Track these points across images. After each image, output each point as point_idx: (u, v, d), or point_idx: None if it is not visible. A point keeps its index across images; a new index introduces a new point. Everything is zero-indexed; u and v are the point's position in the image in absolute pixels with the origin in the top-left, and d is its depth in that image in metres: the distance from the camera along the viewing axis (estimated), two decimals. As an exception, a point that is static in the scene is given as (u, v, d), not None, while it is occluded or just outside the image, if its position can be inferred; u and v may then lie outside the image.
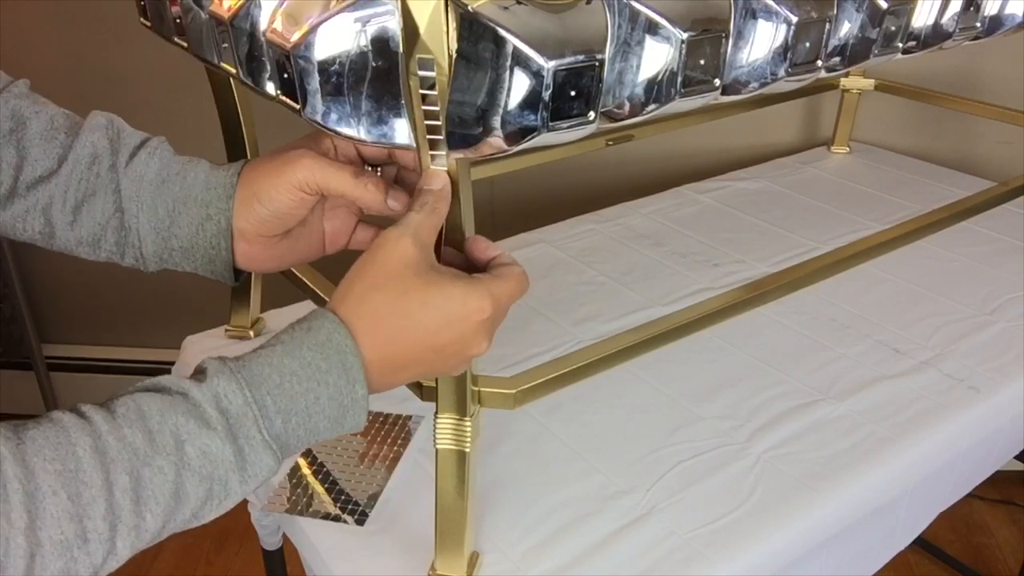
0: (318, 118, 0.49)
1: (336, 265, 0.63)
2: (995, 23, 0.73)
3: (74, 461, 0.39)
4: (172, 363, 0.92)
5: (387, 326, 0.48)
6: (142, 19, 0.67)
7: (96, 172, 0.57)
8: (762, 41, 0.55)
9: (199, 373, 0.45)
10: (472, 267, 0.53)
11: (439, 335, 0.49)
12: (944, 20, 0.68)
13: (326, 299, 0.73)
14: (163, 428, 0.42)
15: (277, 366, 0.45)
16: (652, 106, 0.51)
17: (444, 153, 0.48)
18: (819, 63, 0.60)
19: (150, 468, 0.41)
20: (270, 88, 0.52)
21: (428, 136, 0.48)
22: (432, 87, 0.45)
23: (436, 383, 0.59)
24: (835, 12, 0.59)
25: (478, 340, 0.50)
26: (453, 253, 0.54)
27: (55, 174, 0.56)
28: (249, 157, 0.80)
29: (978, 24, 0.71)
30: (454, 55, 0.44)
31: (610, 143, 1.08)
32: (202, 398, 0.43)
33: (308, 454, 0.77)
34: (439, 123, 0.46)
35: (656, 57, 0.50)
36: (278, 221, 0.57)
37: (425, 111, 0.46)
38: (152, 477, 0.41)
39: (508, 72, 0.44)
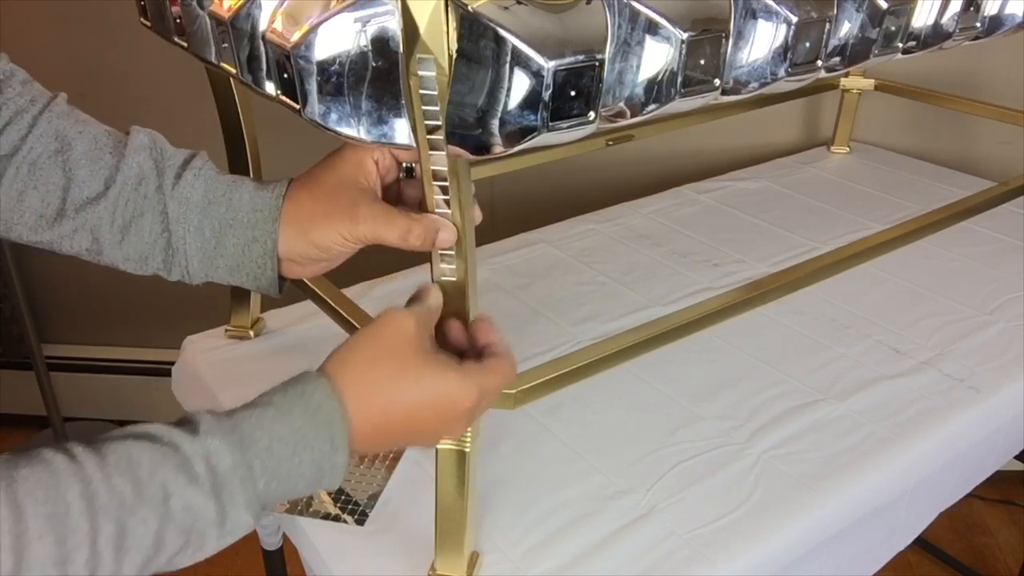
0: (318, 118, 0.49)
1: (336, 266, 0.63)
2: (995, 23, 0.73)
3: (63, 506, 0.39)
4: (172, 363, 0.92)
5: (378, 400, 0.50)
6: (142, 19, 0.67)
7: (143, 194, 0.58)
8: (762, 41, 0.55)
9: (189, 423, 0.46)
10: (470, 343, 0.56)
11: (423, 416, 0.51)
12: (944, 20, 0.68)
13: (326, 299, 0.73)
14: (152, 480, 0.42)
15: (268, 429, 0.46)
16: (652, 106, 0.51)
17: (444, 153, 0.48)
18: (819, 63, 0.60)
19: (135, 518, 0.41)
20: (270, 88, 0.52)
21: (428, 136, 0.48)
22: (432, 87, 0.45)
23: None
24: (835, 12, 0.59)
25: (457, 425, 0.53)
26: (457, 327, 0.56)
27: (103, 196, 0.57)
28: (249, 157, 0.81)
29: (978, 24, 0.71)
30: (454, 55, 0.44)
31: (610, 143, 1.08)
32: (193, 453, 0.44)
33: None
34: (439, 123, 0.46)
35: (656, 57, 0.50)
36: (327, 257, 0.58)
37: (425, 111, 0.46)
38: (136, 528, 0.42)
39: (508, 72, 0.44)
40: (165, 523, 0.42)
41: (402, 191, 0.59)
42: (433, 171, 0.50)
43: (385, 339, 0.51)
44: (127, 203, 0.57)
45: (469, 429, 0.58)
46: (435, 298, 0.55)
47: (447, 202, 0.52)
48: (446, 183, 0.50)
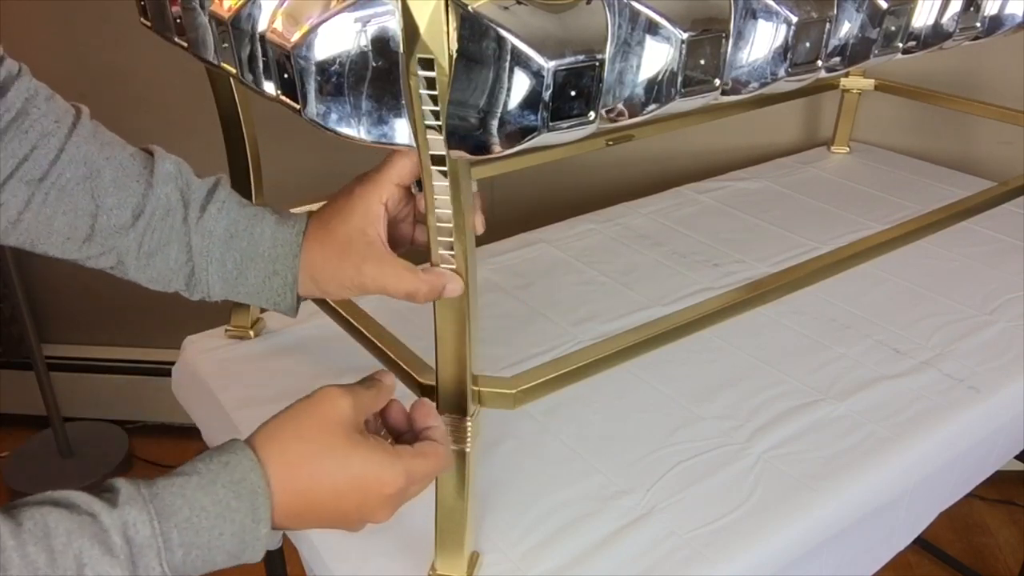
0: (318, 118, 0.49)
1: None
2: (995, 23, 0.73)
3: None
4: (172, 363, 0.92)
5: (302, 477, 0.50)
6: (142, 19, 0.67)
7: (170, 224, 0.59)
8: (762, 41, 0.55)
9: (109, 492, 0.45)
10: (409, 426, 0.57)
11: (346, 498, 0.51)
12: (944, 20, 0.68)
13: (326, 299, 0.73)
14: (67, 551, 0.42)
15: (189, 499, 0.46)
16: (652, 106, 0.51)
17: (444, 153, 0.48)
18: (819, 63, 0.60)
19: None
20: (270, 88, 0.52)
21: (428, 136, 0.48)
22: (432, 87, 0.45)
23: (436, 382, 0.59)
24: (835, 12, 0.59)
25: (381, 510, 0.52)
26: (398, 410, 0.58)
27: (132, 227, 0.59)
28: (249, 157, 0.81)
29: (978, 24, 0.71)
30: (454, 55, 0.44)
31: (610, 143, 1.08)
32: (111, 524, 0.43)
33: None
34: (439, 123, 0.46)
35: (656, 57, 0.50)
36: (340, 298, 0.62)
37: (425, 111, 0.46)
38: None
39: (508, 72, 0.44)
40: None
41: (416, 235, 0.62)
42: (433, 171, 0.50)
43: (316, 417, 0.51)
44: (154, 232, 0.59)
45: (389, 513, 0.56)
46: (387, 384, 0.56)
47: (447, 202, 0.52)
48: (446, 183, 0.50)
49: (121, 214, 0.58)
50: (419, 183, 0.59)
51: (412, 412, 0.57)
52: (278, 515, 0.49)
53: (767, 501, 0.70)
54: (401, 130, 0.49)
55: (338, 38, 0.47)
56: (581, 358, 0.63)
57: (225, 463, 0.48)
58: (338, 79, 0.47)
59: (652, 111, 0.52)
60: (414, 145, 0.49)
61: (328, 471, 0.50)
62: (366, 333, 0.67)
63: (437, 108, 0.46)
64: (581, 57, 0.45)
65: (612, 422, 0.79)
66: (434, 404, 0.58)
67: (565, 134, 0.47)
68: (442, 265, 0.55)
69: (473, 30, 0.43)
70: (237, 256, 0.60)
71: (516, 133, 0.45)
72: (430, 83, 0.45)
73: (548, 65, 0.43)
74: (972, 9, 0.70)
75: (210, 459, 0.48)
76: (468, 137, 0.46)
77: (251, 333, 0.90)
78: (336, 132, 0.49)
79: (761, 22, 0.55)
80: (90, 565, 0.42)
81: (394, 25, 0.46)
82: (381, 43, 0.47)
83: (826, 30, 0.59)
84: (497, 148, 0.46)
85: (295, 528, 0.52)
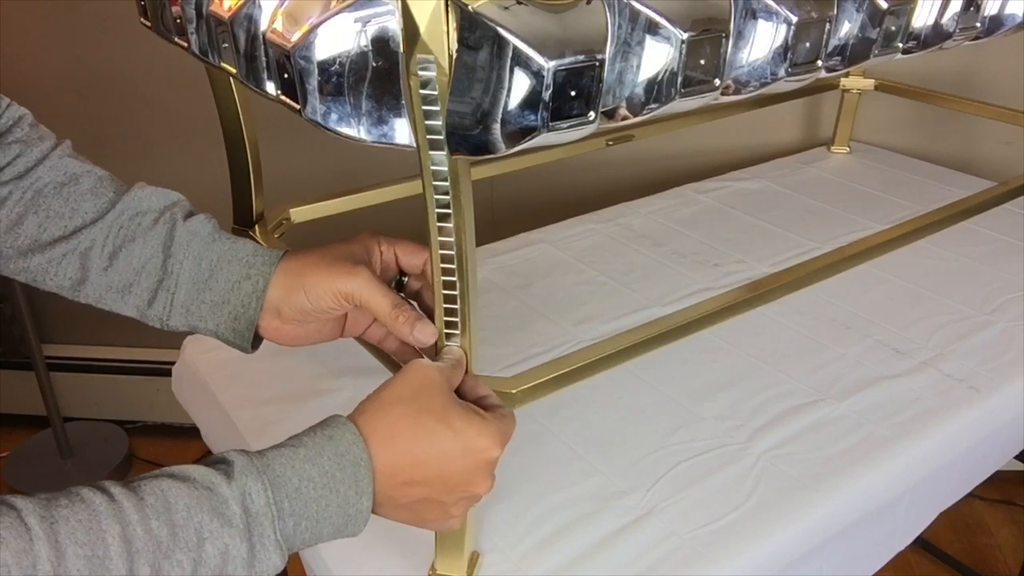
0: (318, 118, 0.49)
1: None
2: (995, 23, 0.73)
3: (103, 548, 0.41)
4: (172, 363, 0.92)
5: (403, 438, 0.50)
6: (142, 19, 0.67)
7: (138, 222, 0.60)
8: (762, 41, 0.55)
9: (223, 463, 0.47)
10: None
11: (451, 462, 0.51)
12: (944, 20, 0.68)
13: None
14: (188, 523, 0.43)
15: (298, 469, 0.48)
16: (652, 106, 0.51)
17: (444, 153, 0.48)
18: (819, 63, 0.60)
19: (170, 561, 0.43)
20: (270, 88, 0.52)
21: (428, 136, 0.48)
22: (432, 87, 0.45)
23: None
24: (835, 12, 0.59)
25: (484, 478, 0.53)
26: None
27: (99, 220, 0.59)
28: (249, 157, 0.80)
29: (978, 24, 0.71)
30: (454, 55, 0.44)
31: (610, 143, 1.08)
32: (229, 495, 0.45)
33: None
34: (439, 123, 0.46)
35: (656, 57, 0.50)
36: (316, 314, 0.60)
37: (425, 111, 0.46)
38: (171, 570, 0.43)
39: (508, 72, 0.44)
40: (198, 566, 0.44)
41: (408, 285, 0.64)
42: (433, 171, 0.50)
43: (412, 384, 0.52)
44: (120, 230, 0.59)
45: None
46: (460, 357, 0.56)
47: (448, 202, 0.52)
48: (446, 183, 0.50)
49: (92, 215, 0.59)
50: (400, 282, 0.64)
51: (461, 387, 0.57)
52: (383, 482, 0.50)
53: (767, 501, 0.70)
54: (401, 130, 0.49)
55: (338, 38, 0.47)
56: (581, 358, 0.63)
57: (329, 436, 0.49)
58: (338, 79, 0.47)
59: (652, 111, 0.52)
60: (414, 145, 0.49)
61: (430, 429, 0.50)
62: (366, 333, 0.67)
63: (437, 108, 0.46)
64: (581, 57, 0.45)
65: (612, 422, 0.79)
66: (477, 376, 0.58)
67: (565, 134, 0.47)
68: (446, 317, 0.56)
69: (473, 30, 0.43)
70: (214, 256, 0.60)
71: (516, 133, 0.45)
72: (430, 83, 0.45)
73: (548, 65, 0.43)
74: (972, 9, 0.70)
75: (314, 433, 0.50)
76: (468, 137, 0.46)
77: (251, 333, 0.90)
78: (336, 132, 0.49)
79: (761, 22, 0.55)
80: (211, 539, 0.44)
81: (394, 25, 0.46)
82: (381, 43, 0.47)
83: (826, 30, 0.59)
84: (497, 148, 0.46)
85: (403, 501, 0.51)
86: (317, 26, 0.47)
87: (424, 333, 0.57)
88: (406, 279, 0.65)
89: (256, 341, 0.62)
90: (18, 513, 0.40)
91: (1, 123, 0.60)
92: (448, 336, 0.57)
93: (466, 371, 0.57)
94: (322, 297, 0.58)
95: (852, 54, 0.62)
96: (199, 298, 0.60)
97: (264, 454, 0.48)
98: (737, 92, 0.56)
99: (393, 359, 0.64)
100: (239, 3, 0.52)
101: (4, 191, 0.58)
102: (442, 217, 0.52)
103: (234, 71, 0.56)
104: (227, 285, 0.60)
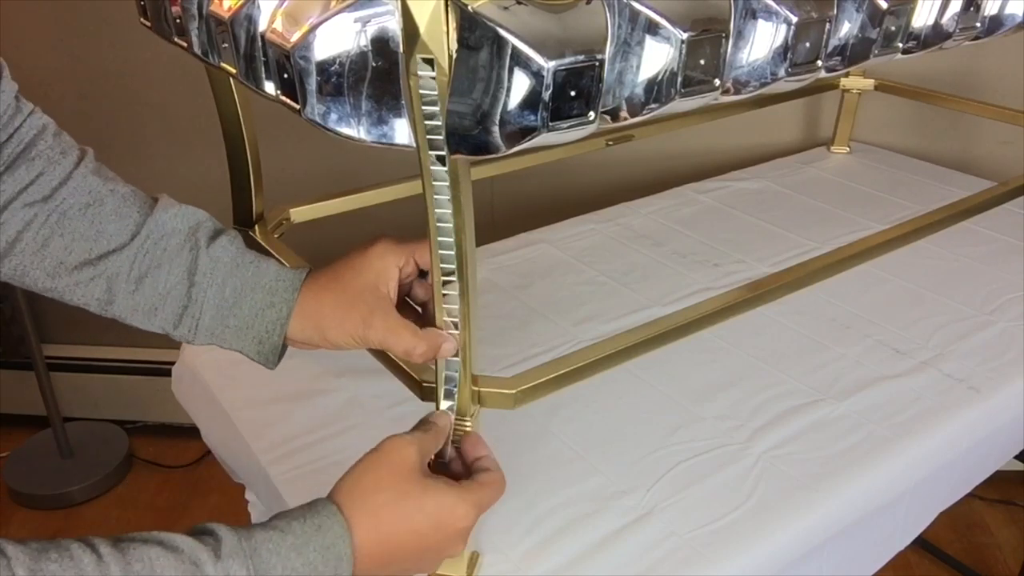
0: (318, 118, 0.49)
1: (336, 261, 0.63)
2: (995, 23, 0.73)
3: None
4: (172, 363, 0.92)
5: (385, 525, 0.52)
6: (142, 19, 0.67)
7: (163, 247, 0.60)
8: (762, 41, 0.55)
9: (212, 539, 0.47)
10: (460, 457, 0.61)
11: (426, 538, 0.54)
12: (944, 20, 0.68)
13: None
14: None
15: (283, 558, 0.48)
16: (652, 106, 0.51)
17: (444, 153, 0.48)
18: (819, 63, 0.60)
19: None
20: (270, 88, 0.52)
21: (428, 136, 0.48)
22: (432, 87, 0.45)
23: (437, 382, 0.59)
24: (835, 12, 0.59)
25: (456, 543, 0.56)
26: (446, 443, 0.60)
27: (127, 246, 0.59)
28: (249, 157, 0.81)
29: (978, 24, 0.71)
30: (454, 55, 0.44)
31: (610, 143, 1.08)
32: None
33: (308, 454, 0.77)
34: (439, 123, 0.46)
35: (656, 57, 0.50)
36: (332, 349, 0.62)
37: (425, 111, 0.46)
38: None
39: (508, 72, 0.44)
40: None
41: (413, 289, 0.63)
42: (433, 171, 0.50)
43: (388, 466, 0.54)
44: (147, 255, 0.60)
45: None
46: (443, 426, 0.59)
47: (447, 202, 0.52)
48: (446, 183, 0.50)
49: (119, 239, 0.59)
50: (424, 272, 0.62)
51: (462, 444, 0.60)
52: (362, 566, 0.51)
53: (767, 501, 0.70)
54: (401, 130, 0.49)
55: (338, 38, 0.47)
56: (581, 358, 0.63)
57: (317, 527, 0.50)
58: (338, 79, 0.47)
59: (652, 111, 0.52)
60: (414, 145, 0.49)
61: (407, 514, 0.53)
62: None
63: (437, 108, 0.46)
64: (581, 57, 0.45)
65: (612, 422, 0.79)
66: (481, 437, 0.60)
67: (565, 134, 0.47)
68: (446, 317, 0.57)
69: (473, 30, 0.43)
70: (238, 283, 0.60)
71: (516, 133, 0.45)
72: (430, 83, 0.45)
73: (548, 65, 0.43)
74: (972, 9, 0.70)
75: (303, 520, 0.50)
76: (468, 137, 0.46)
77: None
78: (336, 132, 0.49)
79: (761, 22, 0.55)
80: None
81: (394, 25, 0.46)
82: (381, 43, 0.47)
83: (826, 30, 0.59)
84: (497, 148, 0.46)
85: None
86: (317, 26, 0.47)
87: (448, 347, 0.58)
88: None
89: (281, 355, 0.63)
90: (8, 561, 0.40)
91: (24, 133, 0.59)
92: (448, 334, 0.57)
93: (429, 396, 0.59)
94: (338, 341, 0.60)
95: (852, 54, 0.62)
96: (223, 323, 0.61)
97: (252, 535, 0.48)
98: (737, 92, 0.56)
99: (392, 359, 0.64)
100: (239, 3, 0.52)
101: (29, 213, 0.58)
102: (442, 217, 0.52)
103: (234, 71, 0.56)
104: (251, 312, 0.60)
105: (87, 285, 0.59)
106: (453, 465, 0.60)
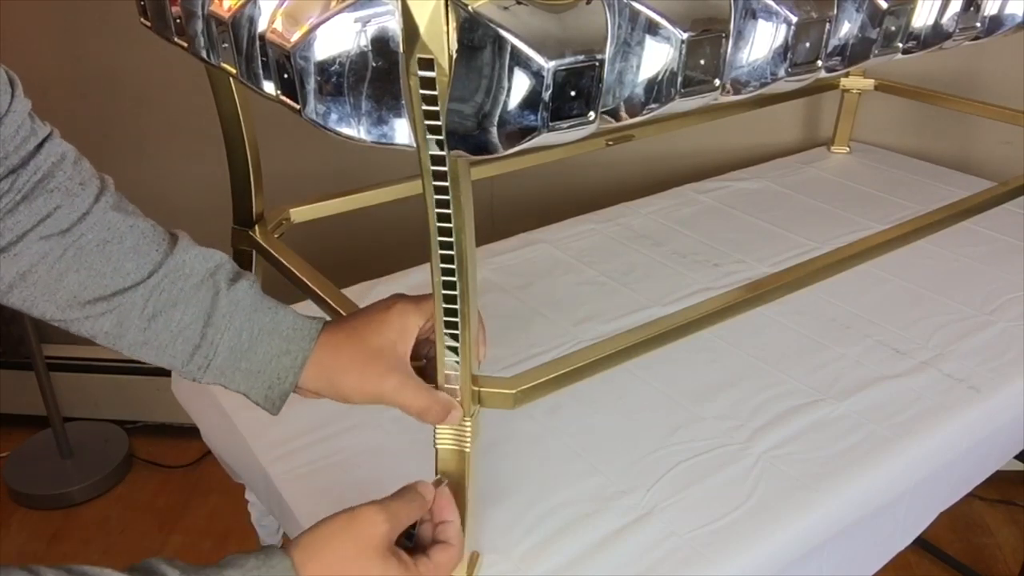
0: (318, 118, 0.49)
1: (335, 261, 0.63)
2: (995, 23, 0.73)
3: None
4: (172, 363, 0.92)
5: None
6: (142, 19, 0.67)
7: (180, 287, 0.59)
8: (762, 41, 0.55)
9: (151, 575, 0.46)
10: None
11: None
12: (944, 20, 0.68)
13: (326, 299, 0.73)
14: None
15: None
16: (652, 106, 0.51)
17: (444, 153, 0.48)
18: (819, 63, 0.60)
19: None
20: (270, 88, 0.52)
21: (428, 136, 0.48)
22: (432, 87, 0.45)
23: (437, 382, 0.59)
24: (835, 12, 0.59)
25: None
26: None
27: (143, 284, 0.58)
28: (249, 157, 0.81)
29: (978, 24, 0.71)
30: (454, 55, 0.44)
31: (610, 143, 1.08)
32: None
33: (308, 454, 0.77)
34: (439, 123, 0.46)
35: (656, 57, 0.50)
36: (350, 402, 0.61)
37: (425, 111, 0.46)
38: None
39: (508, 72, 0.44)
40: None
41: (417, 345, 0.63)
42: (433, 171, 0.50)
43: (355, 539, 0.53)
44: (163, 293, 0.58)
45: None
46: (426, 497, 0.58)
47: (448, 202, 0.52)
48: (446, 183, 0.50)
49: (136, 276, 0.58)
50: None
51: (434, 506, 0.59)
52: None
53: (767, 501, 0.70)
54: (401, 130, 0.49)
55: (338, 38, 0.47)
56: (581, 358, 0.63)
57: (270, 568, 0.49)
58: (338, 79, 0.47)
59: (652, 111, 0.52)
60: (414, 145, 0.49)
61: None
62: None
63: (437, 108, 0.46)
64: (581, 57, 0.45)
65: (612, 422, 0.79)
66: (451, 497, 0.60)
67: (565, 134, 0.47)
68: (447, 373, 0.58)
69: (473, 30, 0.43)
70: (255, 328, 0.60)
71: (516, 133, 0.45)
72: (430, 83, 0.45)
73: (548, 65, 0.43)
74: (972, 9, 0.70)
75: (259, 565, 0.50)
76: (468, 137, 0.46)
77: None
78: (336, 132, 0.49)
79: (761, 22, 0.55)
80: None
81: (394, 25, 0.46)
82: (381, 43, 0.47)
83: (826, 30, 0.59)
84: (497, 148, 0.46)
85: None
86: (317, 26, 0.47)
87: (455, 415, 0.59)
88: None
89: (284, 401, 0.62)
90: None
91: (41, 161, 0.57)
92: (448, 334, 0.57)
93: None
94: (350, 394, 0.60)
95: (852, 54, 0.62)
96: (235, 365, 0.60)
97: (200, 572, 0.48)
98: (737, 92, 0.56)
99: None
100: (239, 3, 0.52)
101: (45, 247, 0.56)
102: (442, 217, 0.52)
103: (234, 71, 0.56)
104: (265, 358, 0.60)
105: (97, 319, 0.58)
106: (423, 529, 0.60)
